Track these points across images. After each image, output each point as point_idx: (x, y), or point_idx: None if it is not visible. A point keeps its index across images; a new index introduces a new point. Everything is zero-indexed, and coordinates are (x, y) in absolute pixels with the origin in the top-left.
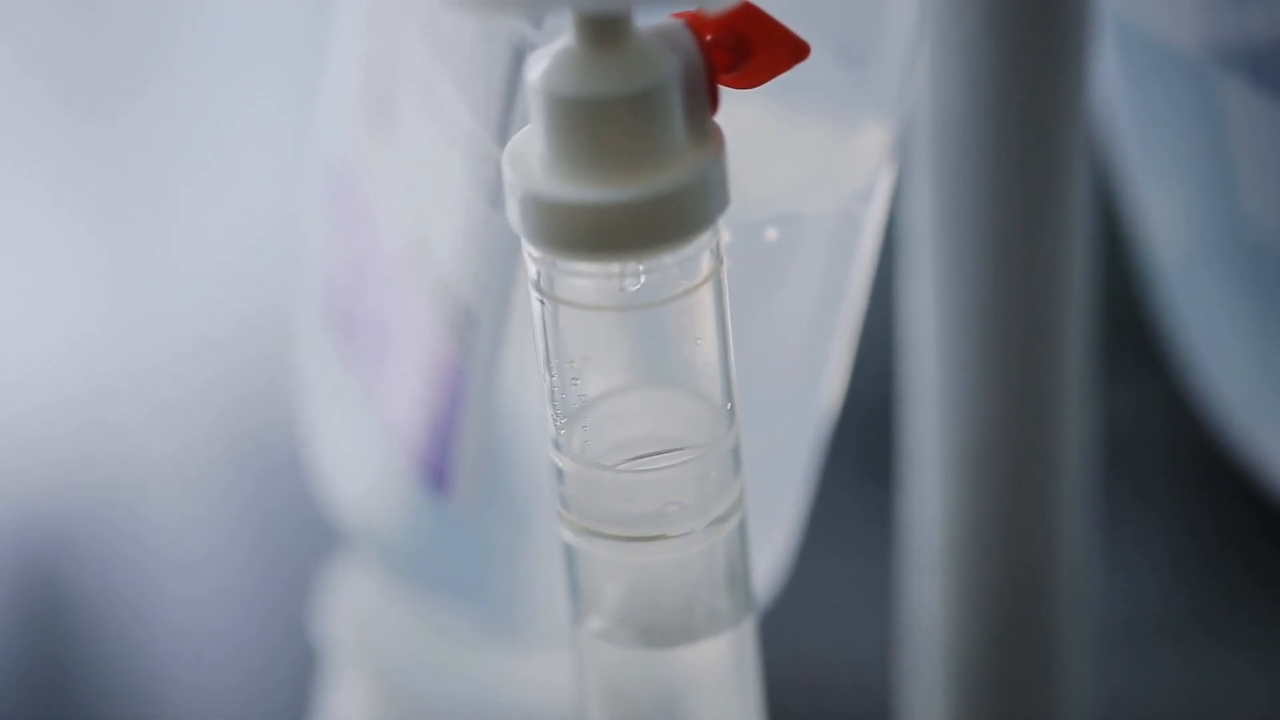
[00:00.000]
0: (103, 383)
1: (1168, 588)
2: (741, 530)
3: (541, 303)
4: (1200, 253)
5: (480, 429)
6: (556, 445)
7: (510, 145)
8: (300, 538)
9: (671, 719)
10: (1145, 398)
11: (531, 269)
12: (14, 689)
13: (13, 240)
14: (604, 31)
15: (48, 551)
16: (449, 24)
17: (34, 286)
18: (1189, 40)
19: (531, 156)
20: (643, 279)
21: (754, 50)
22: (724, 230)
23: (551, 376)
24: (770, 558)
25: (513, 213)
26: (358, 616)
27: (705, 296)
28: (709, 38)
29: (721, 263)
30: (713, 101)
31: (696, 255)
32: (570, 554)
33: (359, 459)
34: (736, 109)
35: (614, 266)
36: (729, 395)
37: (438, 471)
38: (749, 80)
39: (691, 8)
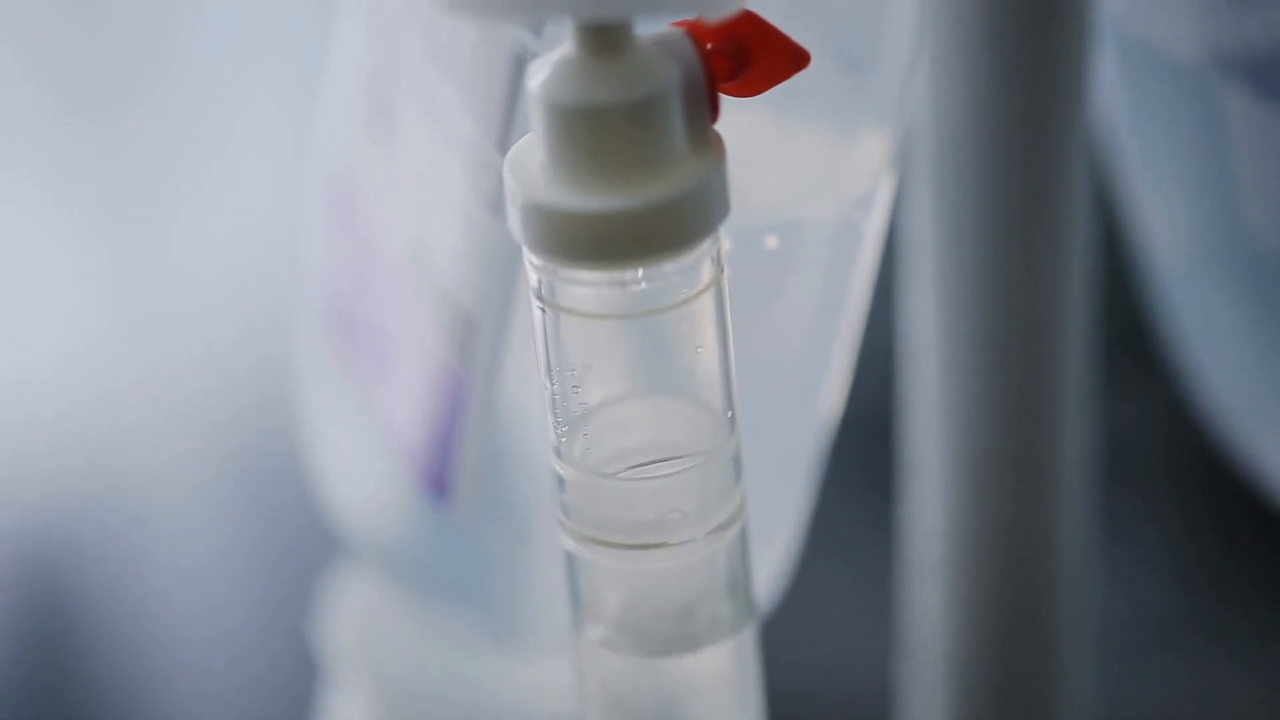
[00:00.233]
0: (104, 390)
1: (1167, 594)
2: (742, 538)
3: (542, 311)
4: (1200, 260)
5: (481, 436)
6: (558, 453)
7: (511, 153)
8: (301, 544)
9: None
10: (1145, 404)
11: (532, 277)
12: (16, 695)
13: (14, 247)
14: (604, 40)
15: (49, 558)
16: (449, 32)
17: (36, 294)
18: (1188, 48)
19: (532, 164)
20: (644, 286)
21: (754, 58)
22: (725, 238)
23: (553, 384)
24: (771, 565)
25: (513, 221)
26: (358, 623)
27: (706, 304)
28: (709, 46)
29: (722, 270)
30: (713, 109)
31: (697, 263)
32: (571, 562)
33: (359, 466)
34: (737, 117)
35: (615, 274)
36: (730, 403)
37: (438, 478)
38: (749, 88)
39: (692, 16)
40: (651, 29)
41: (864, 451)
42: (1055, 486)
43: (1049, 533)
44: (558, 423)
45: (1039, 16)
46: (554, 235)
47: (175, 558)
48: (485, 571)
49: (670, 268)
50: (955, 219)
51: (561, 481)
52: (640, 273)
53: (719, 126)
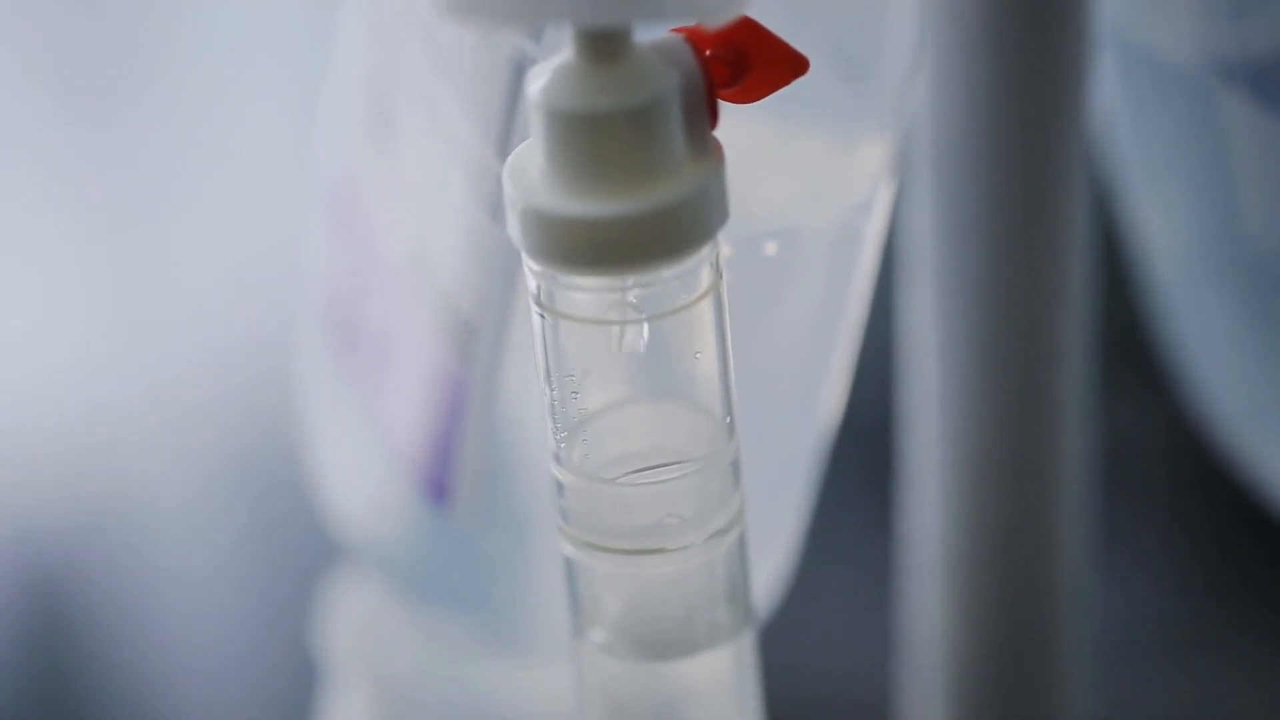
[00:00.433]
0: (105, 395)
1: (1165, 600)
2: (741, 543)
3: (542, 317)
4: (1199, 265)
5: (480, 441)
6: (557, 458)
7: (510, 159)
8: (301, 549)
9: None
10: (1144, 411)
11: (532, 283)
12: (17, 702)
13: (15, 254)
14: (604, 46)
15: (50, 565)
16: (449, 38)
17: (36, 300)
18: (1188, 55)
19: (532, 170)
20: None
21: (753, 65)
22: (724, 244)
23: (552, 390)
24: (770, 570)
25: (513, 227)
26: (358, 627)
27: (705, 310)
28: (708, 52)
29: (721, 276)
30: (712, 116)
31: (696, 269)
32: (571, 567)
33: (360, 471)
34: (736, 123)
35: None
36: (729, 408)
37: (438, 484)
38: (748, 95)
39: (691, 22)
40: (651, 35)
41: (863, 456)
42: (1054, 491)
43: (1048, 537)
44: (557, 428)
45: (1039, 21)
46: (553, 241)
47: (176, 562)
48: (485, 576)
49: (669, 273)
50: (955, 224)
51: (561, 487)
52: (639, 279)
53: (718, 132)
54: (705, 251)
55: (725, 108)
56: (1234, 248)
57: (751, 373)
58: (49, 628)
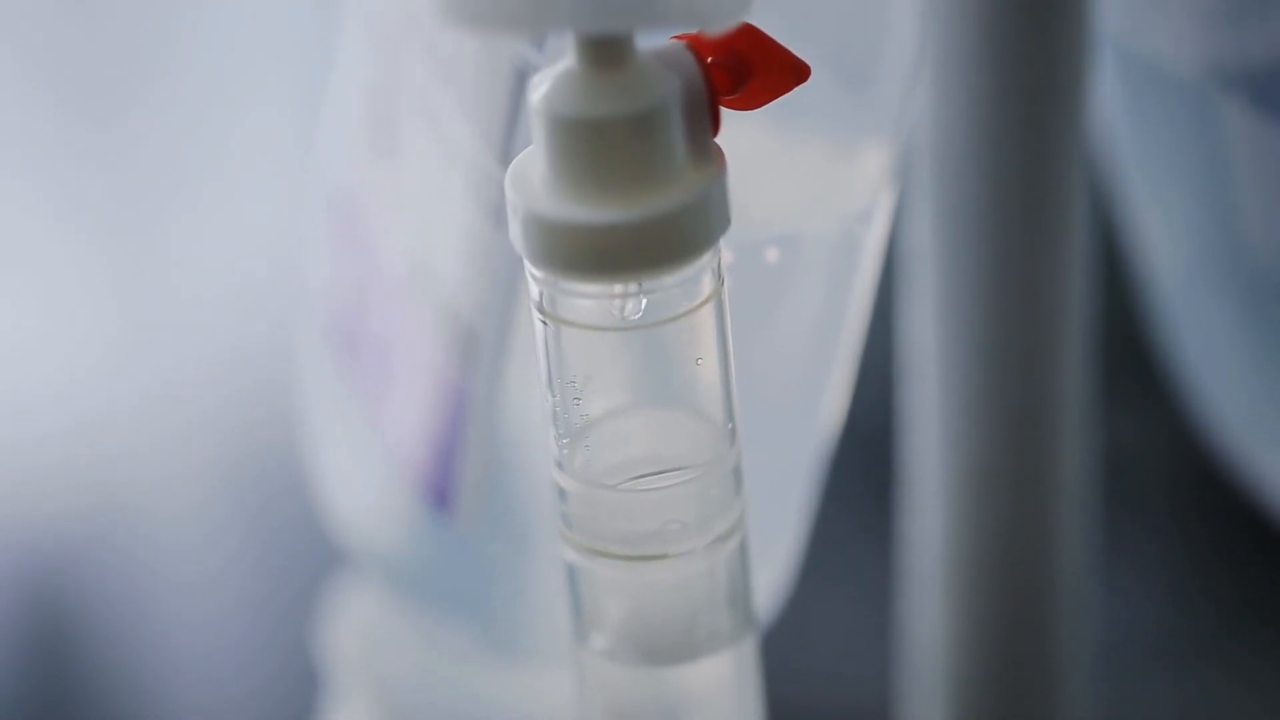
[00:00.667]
0: (107, 405)
1: (1165, 609)
2: (743, 549)
3: (544, 323)
4: (1200, 275)
5: (482, 448)
6: (559, 465)
7: (512, 166)
8: (303, 556)
9: None
10: (1145, 420)
11: (534, 290)
12: (19, 710)
13: (16, 265)
14: (605, 53)
15: (52, 574)
16: (451, 46)
17: (38, 310)
18: (1188, 63)
19: (534, 177)
20: (644, 305)
21: (755, 72)
22: (725, 251)
23: (554, 396)
24: (771, 577)
25: (515, 233)
26: (360, 635)
27: (706, 317)
28: (710, 59)
29: (723, 283)
30: (714, 123)
31: (698, 276)
32: (572, 573)
33: (361, 478)
34: (737, 130)
35: (616, 292)
36: (730, 415)
37: (440, 490)
38: (750, 102)
39: (693, 29)
40: (652, 42)
41: (864, 464)
42: (1054, 498)
43: (1048, 544)
44: (559, 434)
45: (1039, 29)
46: (555, 248)
47: (178, 570)
48: (486, 582)
49: (671, 280)
50: (955, 232)
51: (563, 493)
52: (641, 286)
53: (720, 139)
54: (707, 258)
55: (727, 114)
56: (1234, 256)
57: (753, 379)
58: (52, 636)
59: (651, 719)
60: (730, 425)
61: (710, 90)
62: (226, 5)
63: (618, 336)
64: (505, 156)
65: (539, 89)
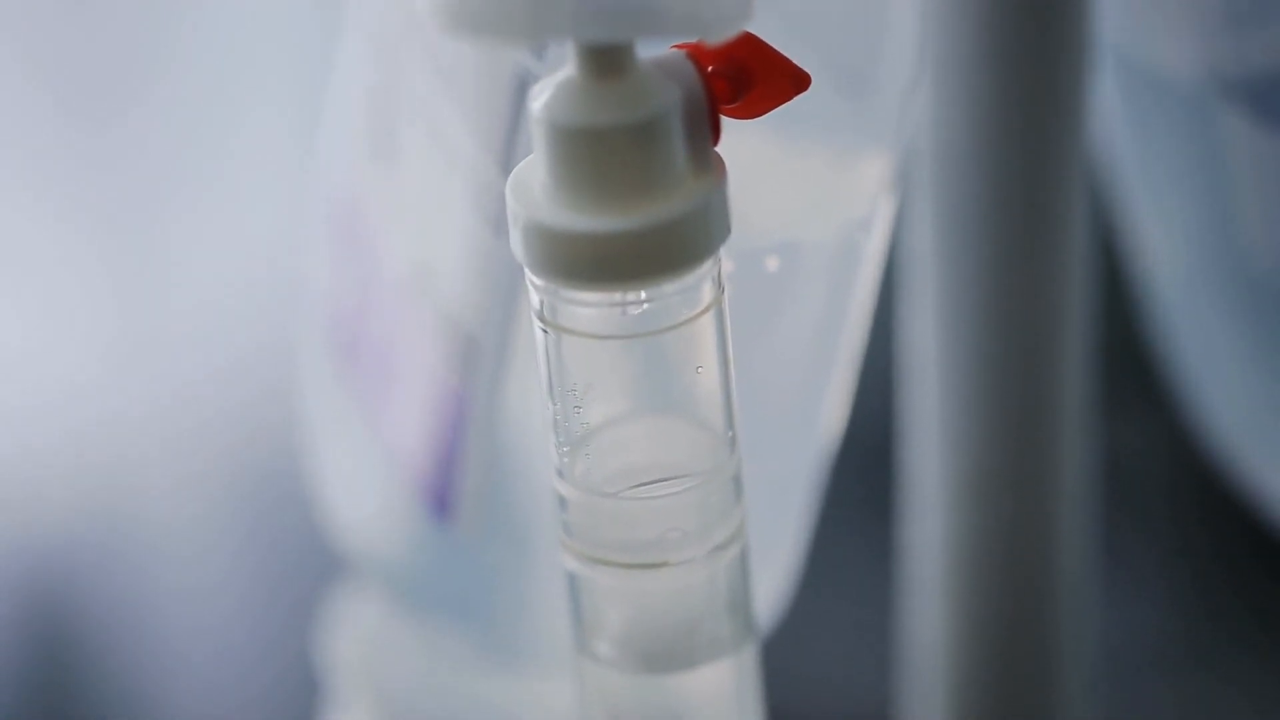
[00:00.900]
0: (107, 414)
1: (1164, 617)
2: (743, 557)
3: (544, 331)
4: (1199, 283)
5: (483, 455)
6: (559, 473)
7: (513, 174)
8: (304, 562)
9: None
10: (1144, 427)
11: (534, 298)
12: (21, 716)
13: (16, 273)
14: (606, 62)
15: (53, 580)
16: (452, 54)
17: (38, 318)
18: (1188, 71)
19: (534, 185)
20: (644, 306)
21: (755, 81)
22: (725, 259)
23: (554, 404)
24: (772, 584)
25: (515, 242)
26: (361, 641)
27: (707, 325)
28: (710, 68)
29: (723, 291)
30: (714, 131)
31: (698, 284)
32: (573, 581)
33: (362, 484)
34: (738, 139)
35: (616, 295)
36: (730, 423)
37: (440, 497)
38: (750, 110)
39: (693, 38)
40: (653, 51)
41: (864, 471)
42: (1054, 505)
43: (1048, 551)
44: (560, 442)
45: (1039, 37)
46: (555, 256)
47: (179, 577)
48: (487, 589)
49: (671, 288)
50: (955, 240)
51: (563, 501)
52: (641, 294)
53: (720, 148)
54: (707, 266)
55: (727, 123)
56: (1233, 262)
57: (753, 386)
58: (53, 643)
59: None
60: (730, 433)
61: (710, 99)
62: (226, 6)
63: (618, 344)
64: (506, 165)
65: (539, 97)
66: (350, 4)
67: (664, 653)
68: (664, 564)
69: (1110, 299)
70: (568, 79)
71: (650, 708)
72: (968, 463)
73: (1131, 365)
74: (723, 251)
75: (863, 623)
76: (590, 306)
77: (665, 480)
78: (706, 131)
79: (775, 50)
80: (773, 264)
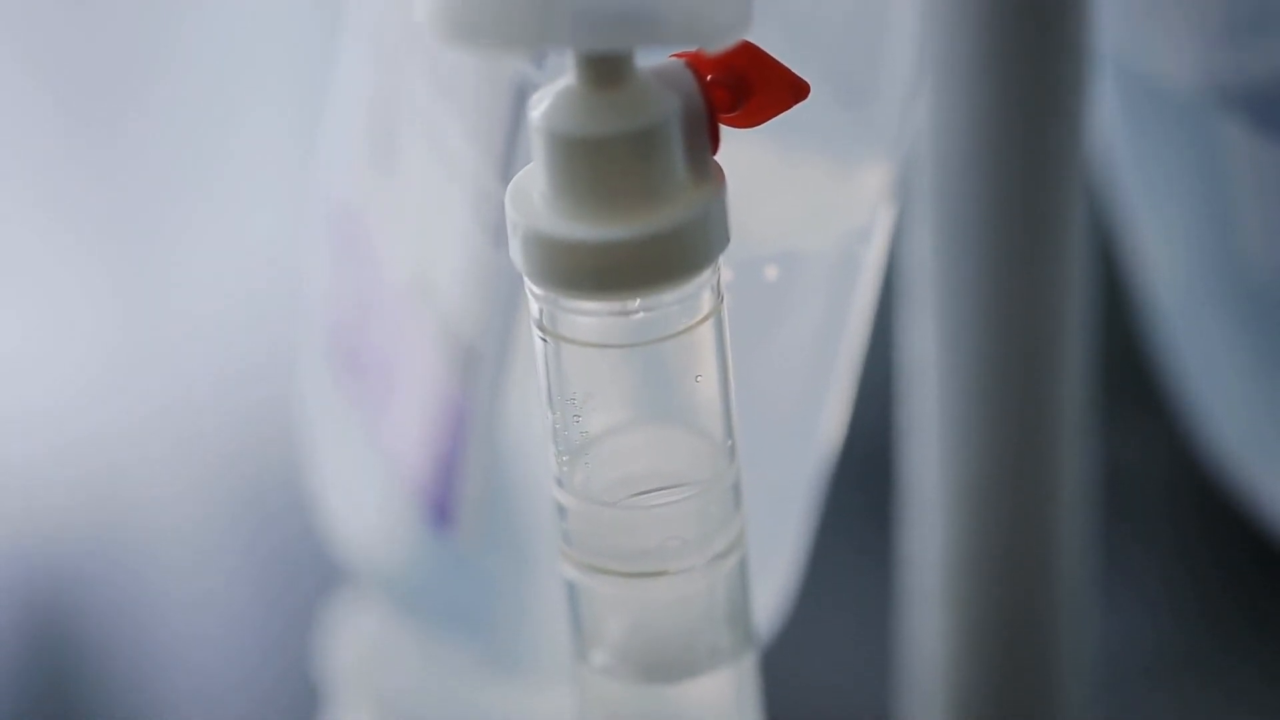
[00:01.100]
0: (107, 423)
1: (1163, 625)
2: (742, 566)
3: (544, 340)
4: (1198, 292)
5: (483, 465)
6: (559, 482)
7: (513, 183)
8: (304, 573)
9: None
10: (1143, 435)
11: (534, 307)
12: None
13: (16, 282)
14: (605, 71)
15: (53, 591)
16: (452, 64)
17: (38, 328)
18: (1187, 81)
19: (534, 194)
20: (644, 316)
21: (754, 90)
22: (725, 268)
23: (554, 414)
24: (771, 593)
25: (515, 251)
26: (361, 651)
27: (706, 334)
28: (709, 77)
29: (722, 300)
30: (713, 140)
31: (697, 293)
32: (573, 590)
33: (362, 495)
34: (737, 148)
35: (616, 304)
36: (730, 432)
37: (441, 507)
38: (749, 119)
39: (692, 47)
40: (652, 60)
41: (864, 480)
42: (1053, 514)
43: (1047, 562)
44: (559, 451)
45: (1038, 47)
46: (555, 265)
47: (179, 586)
48: (487, 599)
49: (670, 297)
50: (955, 249)
51: (562, 510)
52: (640, 302)
53: (719, 157)
54: (706, 275)
55: (726, 132)
56: (1233, 272)
57: (752, 396)
58: (53, 650)
59: None
60: (730, 442)
61: (710, 108)
62: (226, 10)
63: (617, 353)
64: (505, 174)
65: (539, 106)
66: (350, 12)
67: (663, 662)
68: (663, 573)
69: (1109, 308)
70: (567, 88)
71: (650, 717)
72: (967, 471)
73: (1130, 373)
74: (722, 260)
75: (862, 631)
76: (590, 315)
77: (664, 489)
78: (705, 140)
79: (774, 59)
80: (772, 273)
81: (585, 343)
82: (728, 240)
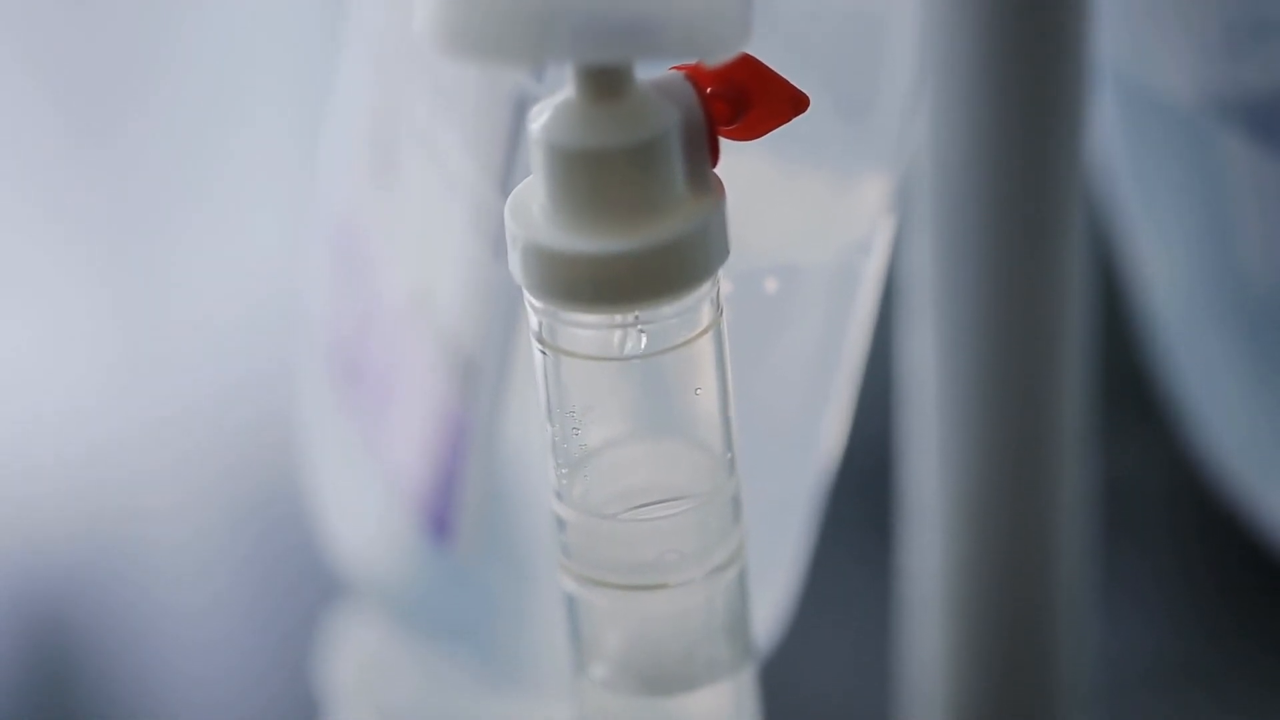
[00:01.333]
0: (108, 435)
1: (1163, 638)
2: (742, 579)
3: (543, 353)
4: (1198, 304)
5: (482, 478)
6: (558, 494)
7: (512, 196)
8: (303, 586)
9: None
10: (1143, 448)
11: (533, 320)
12: None
13: (17, 294)
14: (605, 83)
15: (53, 601)
16: (452, 77)
17: (39, 341)
18: (1186, 93)
19: (533, 207)
20: (644, 342)
21: (754, 102)
22: (724, 281)
23: (553, 426)
24: (770, 606)
25: (514, 264)
26: (360, 664)
27: (705, 346)
28: (709, 90)
29: (721, 313)
30: (713, 153)
31: (697, 306)
32: (572, 603)
33: (362, 507)
34: (736, 160)
35: (616, 330)
36: (729, 444)
37: (440, 520)
38: (749, 132)
39: (692, 60)
40: (652, 72)
41: (863, 492)
42: (1053, 527)
43: (1047, 572)
44: (558, 464)
45: (1038, 60)
46: (554, 278)
47: (179, 599)
48: (486, 611)
49: (670, 310)
50: (954, 261)
51: (562, 523)
52: (640, 316)
53: (719, 170)
54: (706, 288)
55: (726, 145)
56: (1232, 285)
57: (752, 408)
58: (52, 662)
59: None
60: (729, 455)
61: (709, 121)
62: (227, 15)
63: (617, 367)
64: (505, 186)
65: (538, 119)
66: (350, 24)
67: (663, 675)
68: (663, 586)
69: (1109, 320)
70: (567, 100)
71: None
72: (966, 483)
73: (1130, 386)
74: (721, 273)
75: (862, 644)
76: (589, 328)
77: (664, 502)
78: (705, 153)
79: (774, 72)
80: (772, 285)
81: (584, 356)
82: (727, 253)
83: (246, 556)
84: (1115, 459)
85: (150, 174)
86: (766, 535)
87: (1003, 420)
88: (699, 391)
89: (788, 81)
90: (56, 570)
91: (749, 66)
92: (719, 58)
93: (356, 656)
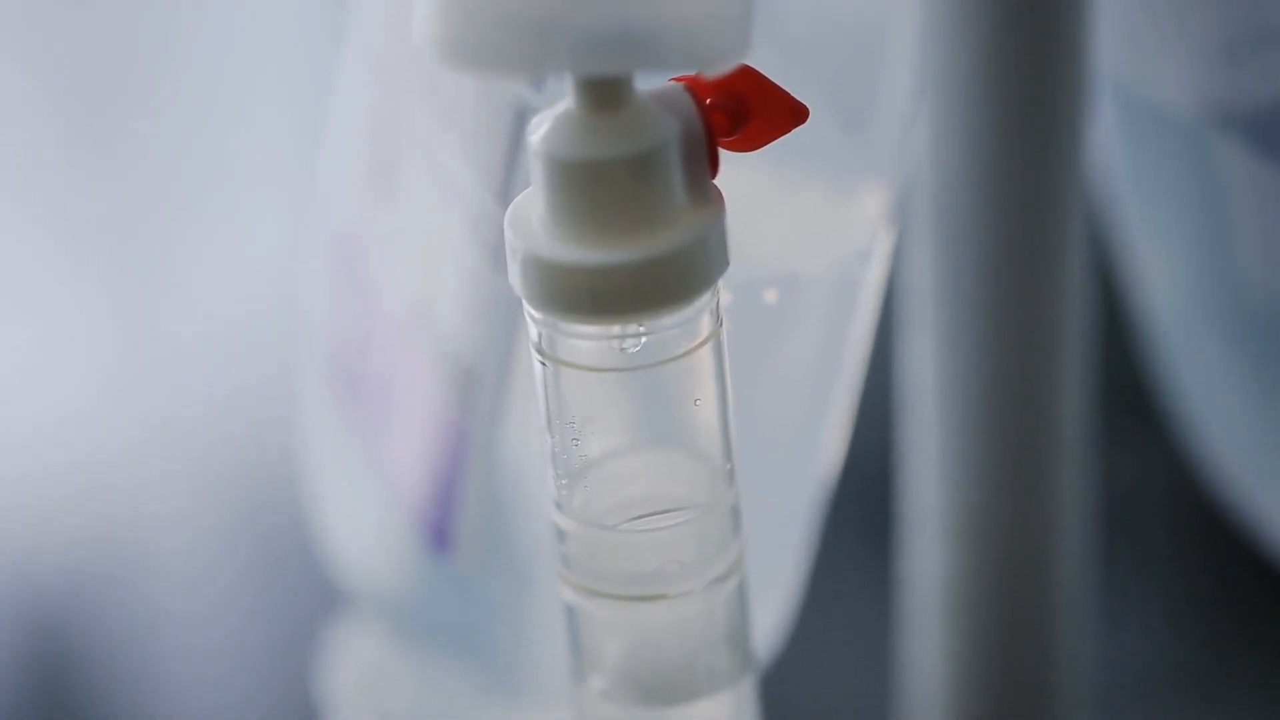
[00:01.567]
0: (107, 444)
1: (1163, 648)
2: (742, 589)
3: (543, 364)
4: (1198, 315)
5: (482, 488)
6: (558, 505)
7: (512, 207)
8: (303, 596)
9: None
10: (1144, 459)
11: (533, 331)
12: None
13: (17, 303)
14: (604, 94)
15: (52, 611)
16: (451, 88)
17: (39, 349)
18: (1186, 103)
19: (533, 218)
20: (643, 341)
21: (753, 113)
22: (724, 291)
23: (553, 437)
24: (770, 617)
25: (514, 275)
26: (360, 675)
27: (705, 357)
28: (709, 101)
29: (721, 324)
30: (712, 164)
31: (696, 316)
32: (571, 613)
33: (361, 518)
34: (736, 171)
35: (614, 328)
36: (729, 455)
37: (440, 530)
38: (748, 143)
39: (691, 71)
40: (651, 84)
41: (863, 502)
42: (1053, 537)
43: (1046, 581)
44: (558, 475)
45: (1037, 70)
46: (554, 289)
47: (179, 609)
48: (486, 622)
49: (669, 321)
50: (954, 272)
51: (561, 533)
52: (640, 326)
53: (718, 181)
54: (705, 299)
55: (725, 156)
56: (1232, 295)
57: (752, 419)
58: (54, 670)
59: None
60: (729, 466)
61: (709, 132)
62: (227, 16)
63: (616, 377)
64: (504, 198)
65: (538, 130)
66: (350, 33)
67: (662, 685)
68: (662, 596)
69: (1109, 330)
70: (566, 111)
71: None
72: (966, 491)
73: (1130, 396)
74: (721, 284)
75: (862, 654)
76: (588, 339)
77: (663, 513)
78: (705, 164)
79: (773, 83)
80: (771, 296)
81: (584, 366)
82: (727, 264)
83: (246, 564)
84: (1115, 466)
85: (150, 179)
86: (767, 545)
87: (1002, 428)
88: (698, 402)
89: (787, 92)
90: (57, 577)
91: (748, 77)
92: (718, 69)
93: (356, 665)
